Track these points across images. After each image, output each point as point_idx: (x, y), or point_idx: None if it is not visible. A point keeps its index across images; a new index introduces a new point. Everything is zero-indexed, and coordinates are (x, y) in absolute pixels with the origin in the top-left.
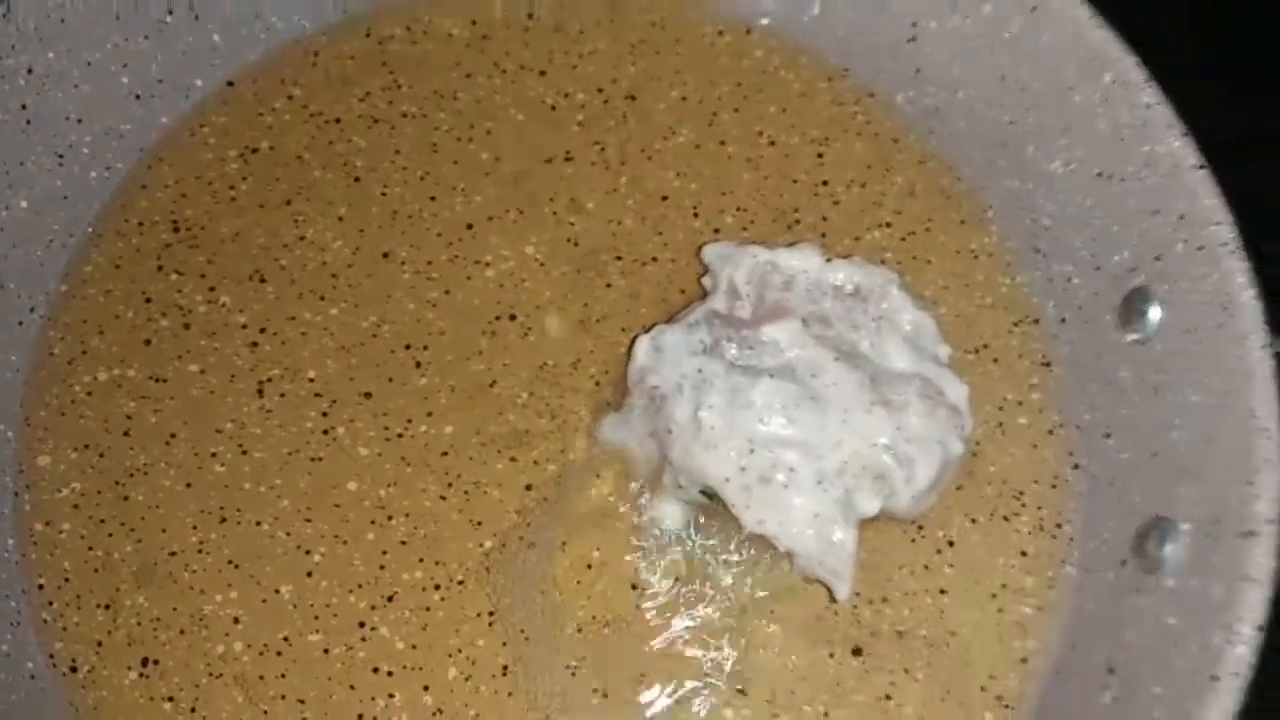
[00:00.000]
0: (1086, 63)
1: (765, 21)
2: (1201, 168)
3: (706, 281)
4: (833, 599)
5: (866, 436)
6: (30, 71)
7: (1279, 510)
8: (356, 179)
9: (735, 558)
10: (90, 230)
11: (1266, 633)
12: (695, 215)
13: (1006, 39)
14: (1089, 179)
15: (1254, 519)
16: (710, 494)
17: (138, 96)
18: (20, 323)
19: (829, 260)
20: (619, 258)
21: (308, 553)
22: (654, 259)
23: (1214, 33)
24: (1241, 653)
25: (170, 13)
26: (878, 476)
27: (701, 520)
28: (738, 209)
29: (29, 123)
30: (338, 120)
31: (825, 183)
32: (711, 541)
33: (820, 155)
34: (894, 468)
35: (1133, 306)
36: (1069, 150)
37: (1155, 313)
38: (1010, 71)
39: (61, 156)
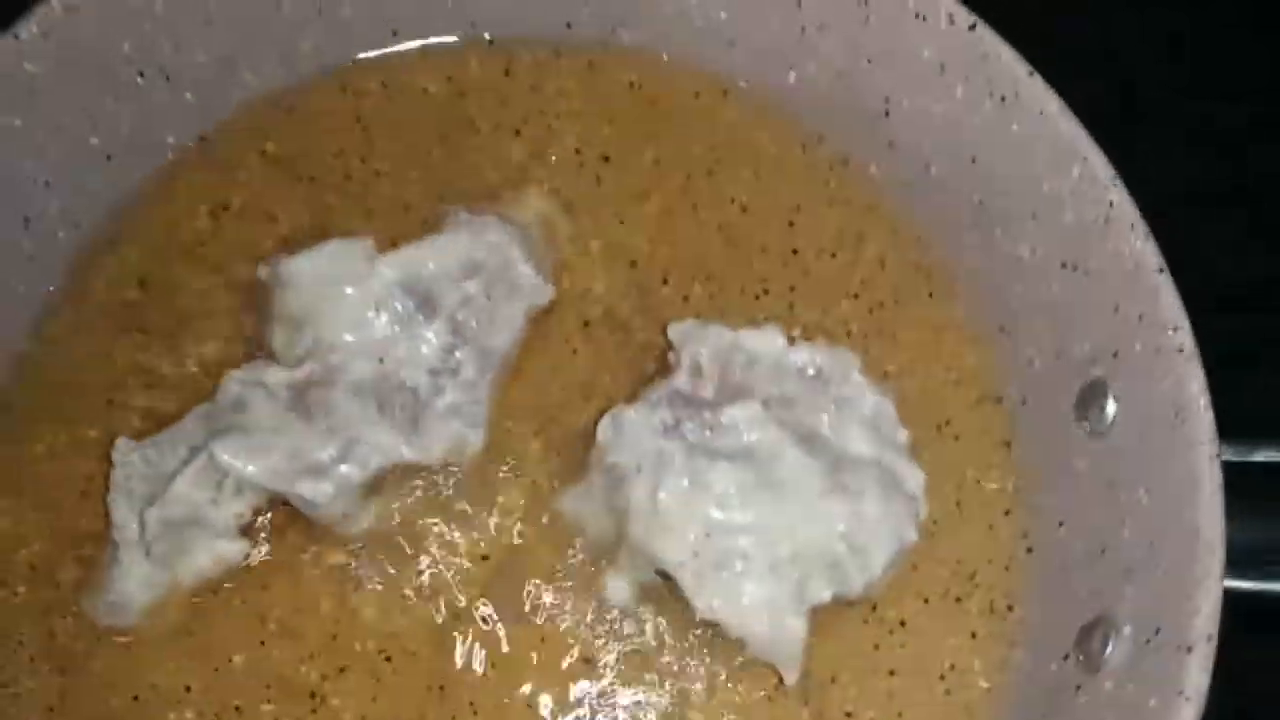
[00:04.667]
0: (1055, 154)
1: (742, 85)
2: (1162, 270)
3: (671, 358)
4: (781, 681)
5: (822, 524)
6: None
7: (1215, 626)
8: (330, 237)
9: (686, 637)
10: (55, 289)
11: None
12: (665, 283)
13: (977, 123)
14: (1054, 268)
15: (1192, 634)
16: (664, 575)
17: (108, 157)
18: None
19: (792, 342)
20: (586, 324)
21: (262, 621)
22: (623, 326)
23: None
24: None
25: (141, 75)
26: (831, 564)
27: (655, 600)
28: (707, 277)
29: None
30: (311, 177)
31: (795, 251)
32: (663, 620)
33: (791, 223)
34: (848, 556)
35: (1090, 399)
36: (1036, 237)
37: (1111, 408)
38: (981, 154)
39: (28, 219)
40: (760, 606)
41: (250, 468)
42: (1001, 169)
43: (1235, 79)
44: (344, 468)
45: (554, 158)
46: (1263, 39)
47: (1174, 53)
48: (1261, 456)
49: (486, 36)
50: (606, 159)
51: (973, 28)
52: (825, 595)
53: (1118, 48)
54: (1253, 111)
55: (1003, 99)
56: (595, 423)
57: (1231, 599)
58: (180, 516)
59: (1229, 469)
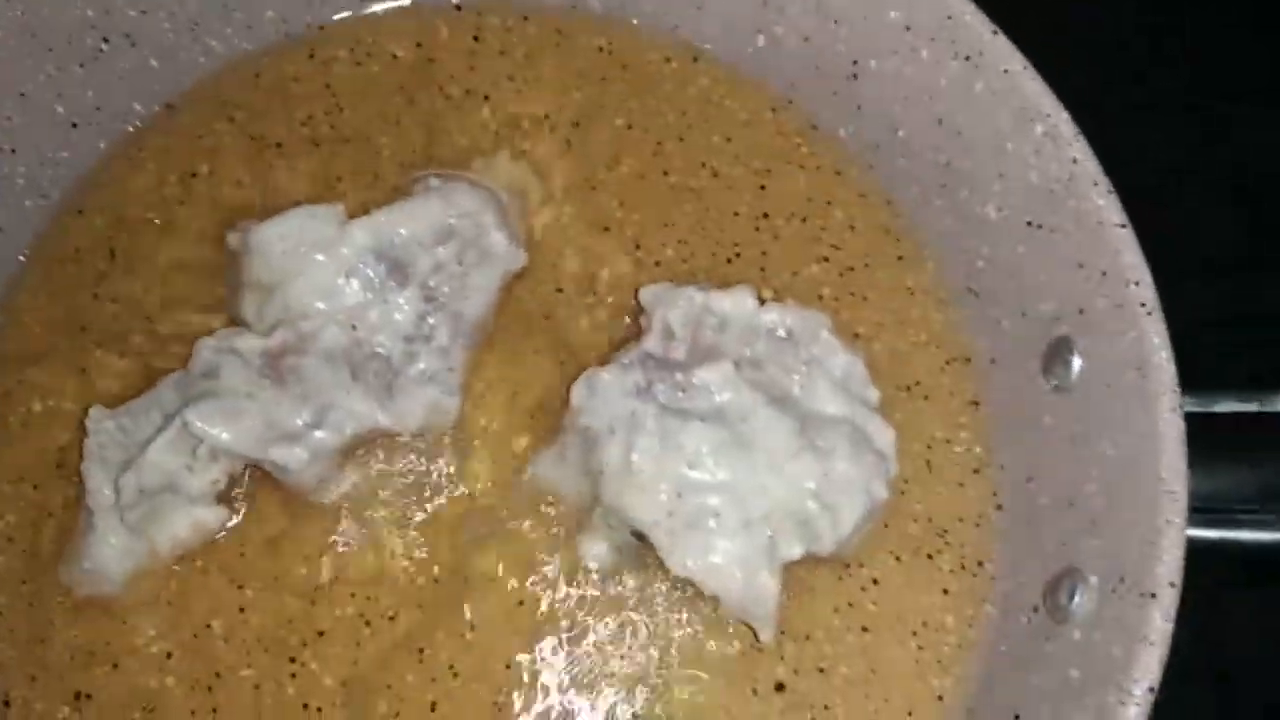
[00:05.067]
0: (1020, 113)
1: (711, 49)
2: (1124, 226)
3: (643, 321)
4: (756, 638)
5: (793, 482)
6: None
7: (1179, 574)
8: (297, 203)
9: (662, 596)
10: (24, 259)
11: (1157, 694)
12: (637, 247)
13: (943, 85)
14: (1020, 227)
15: (1155, 581)
16: (639, 535)
17: (74, 125)
18: None
19: (762, 303)
20: (559, 290)
21: (240, 587)
22: (594, 291)
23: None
24: (1134, 714)
25: (106, 41)
26: (802, 522)
27: (630, 560)
28: (679, 241)
29: None
30: (279, 144)
31: (766, 215)
32: (639, 579)
33: (763, 187)
34: (819, 514)
35: (1056, 355)
36: (1002, 197)
37: (1077, 363)
38: (947, 116)
39: None
40: (733, 564)
41: (224, 434)
42: (967, 130)
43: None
44: (318, 434)
45: (524, 123)
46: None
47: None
48: (1223, 407)
49: (455, 2)
50: (577, 124)
51: None
52: (796, 552)
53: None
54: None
55: (967, 58)
56: (568, 387)
57: (1213, 552)
58: (155, 484)
59: (1191, 420)
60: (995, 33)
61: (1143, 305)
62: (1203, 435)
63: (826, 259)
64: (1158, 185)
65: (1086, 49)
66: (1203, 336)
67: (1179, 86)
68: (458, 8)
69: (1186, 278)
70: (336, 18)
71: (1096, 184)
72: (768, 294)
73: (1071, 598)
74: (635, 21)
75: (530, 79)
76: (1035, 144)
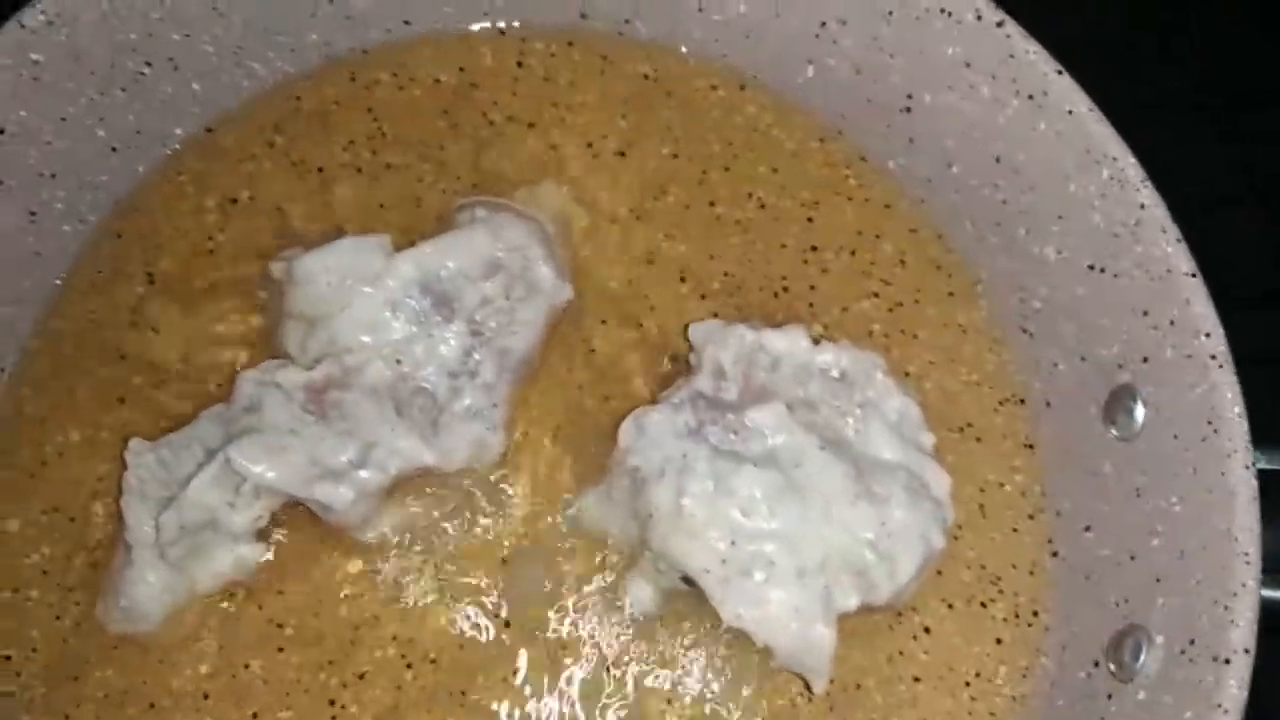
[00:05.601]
0: (1084, 155)
1: (759, 78)
2: (1194, 275)
3: (692, 359)
4: (808, 688)
5: (849, 530)
6: (1, 132)
7: (1253, 639)
8: (341, 231)
9: (710, 644)
10: (61, 283)
11: None
12: (682, 280)
13: (1002, 122)
14: (1081, 270)
15: (1228, 646)
16: (689, 581)
17: (114, 149)
18: None
19: (816, 342)
20: (604, 321)
21: (280, 626)
22: (639, 324)
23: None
24: None
25: (148, 64)
26: (858, 572)
27: (678, 605)
28: (725, 274)
29: (1, 183)
30: (320, 169)
31: (814, 248)
32: (686, 626)
33: (810, 219)
34: (876, 563)
35: (1118, 403)
36: (1062, 238)
37: (1140, 412)
38: (1005, 154)
39: (34, 214)
40: (787, 615)
41: (269, 473)
42: (1027, 169)
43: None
44: (363, 473)
45: (568, 151)
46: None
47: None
48: None
49: (499, 26)
50: (621, 153)
51: (1000, 24)
52: (853, 603)
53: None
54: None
55: (1030, 97)
56: (614, 424)
57: (1263, 607)
58: (196, 520)
59: (1261, 477)
60: (1060, 72)
61: (1213, 358)
62: (1271, 491)
63: (876, 294)
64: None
65: (1096, 48)
66: (1253, 374)
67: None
68: (501, 32)
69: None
70: (379, 41)
71: (1165, 230)
72: (816, 329)
73: (1137, 657)
74: (683, 49)
75: (575, 106)
76: (1100, 187)
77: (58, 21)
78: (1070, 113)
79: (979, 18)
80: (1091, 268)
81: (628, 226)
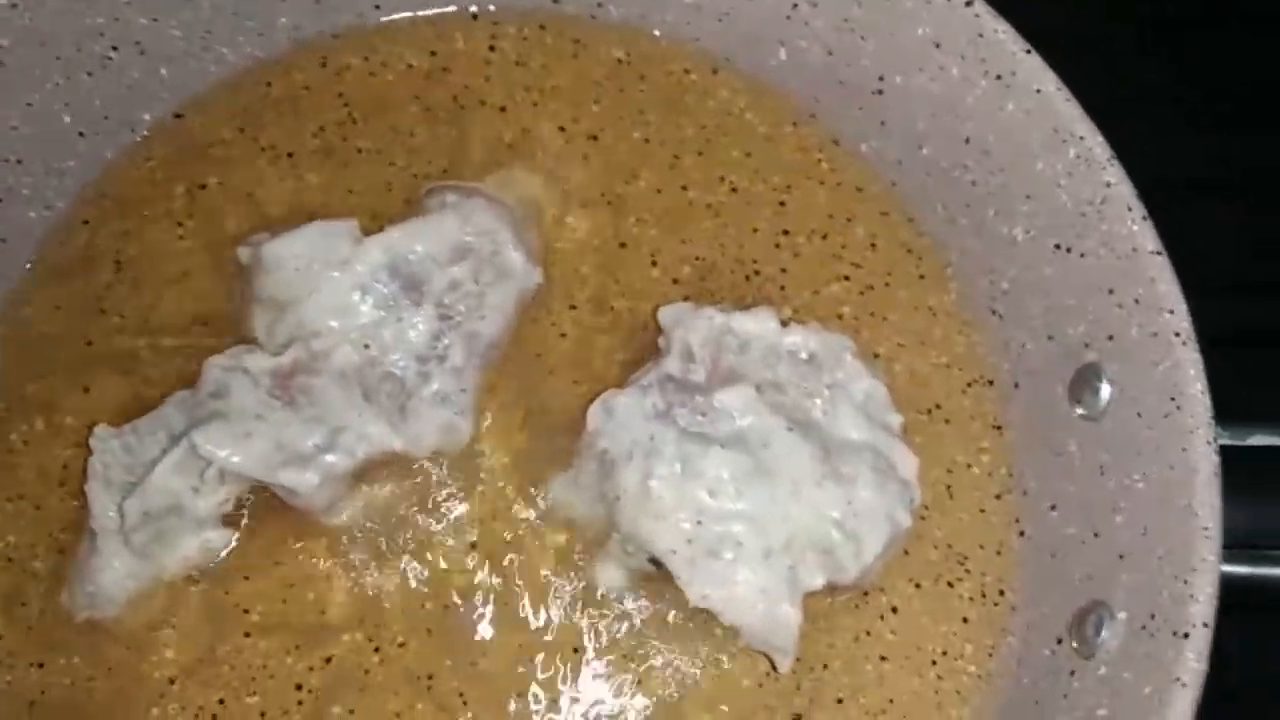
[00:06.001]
0: (1051, 134)
1: (732, 61)
2: (1159, 253)
3: (661, 342)
4: (774, 667)
5: (816, 510)
6: None
7: (1213, 614)
8: (311, 216)
9: (678, 625)
10: (28, 270)
11: None
12: (654, 264)
13: (971, 102)
14: (1048, 249)
15: (1188, 620)
16: (656, 563)
17: (81, 134)
18: None
19: (785, 324)
20: (573, 306)
21: (246, 611)
22: (610, 308)
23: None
24: None
25: (115, 48)
26: (825, 551)
27: (646, 587)
28: (697, 258)
29: None
30: (290, 154)
31: (786, 232)
32: (654, 607)
33: (782, 203)
34: (842, 542)
35: (1084, 382)
36: (1030, 218)
37: (1106, 391)
38: (975, 134)
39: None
40: (754, 594)
41: (234, 457)
42: (996, 149)
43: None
44: (329, 457)
45: (540, 136)
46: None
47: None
48: (1256, 440)
49: (471, 10)
50: (594, 137)
51: (969, 3)
52: (819, 582)
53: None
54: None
55: (998, 77)
56: (582, 408)
57: (1224, 582)
58: (161, 506)
59: (1223, 453)
60: (1028, 51)
61: (1177, 335)
62: (1235, 468)
63: (847, 277)
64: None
65: (1074, 40)
66: (1217, 354)
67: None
68: (474, 16)
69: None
70: (349, 25)
71: (1130, 209)
72: (787, 313)
73: (1098, 632)
74: (656, 32)
75: (547, 90)
76: (1067, 166)
77: (22, 4)
78: (1038, 91)
79: None
80: (1058, 247)
81: (599, 211)
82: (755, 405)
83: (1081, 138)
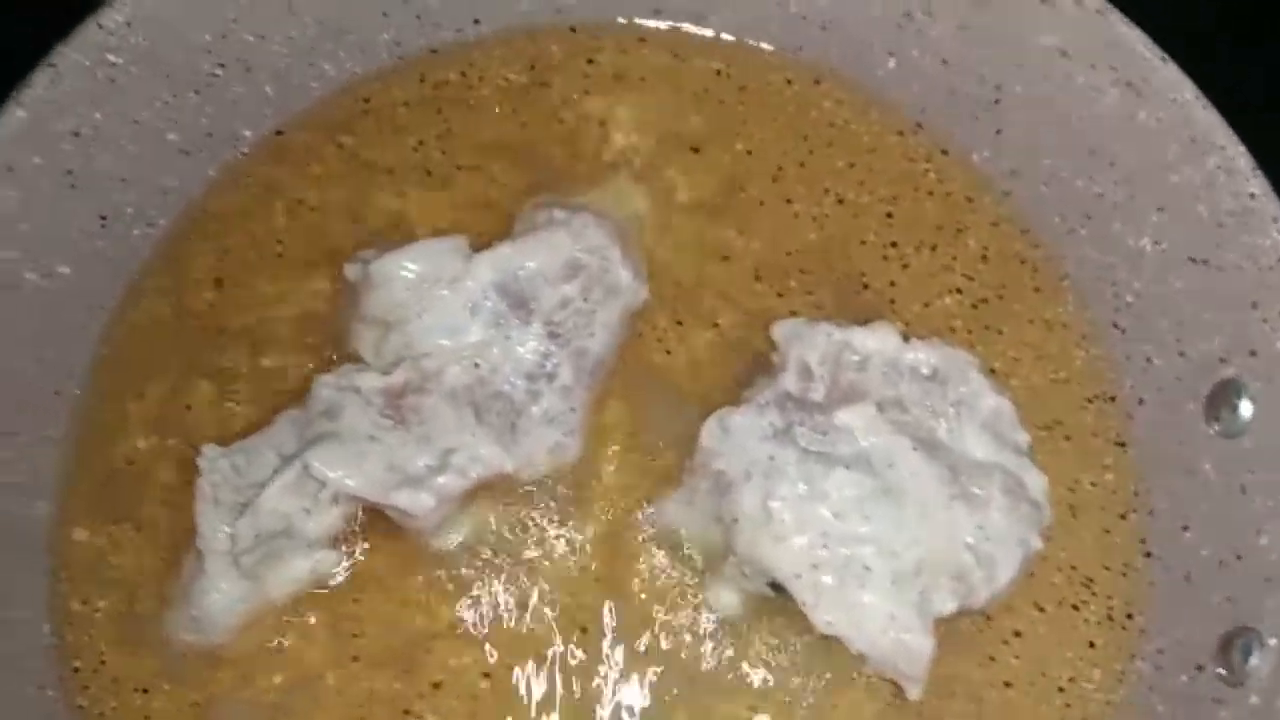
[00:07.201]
0: (1189, 144)
1: (835, 72)
2: None
3: (776, 358)
4: (899, 694)
5: (946, 533)
6: (76, 135)
7: None
8: (411, 233)
9: (797, 650)
10: (131, 288)
11: None
12: (758, 278)
13: (1098, 112)
14: (1181, 262)
15: None
16: (776, 587)
17: (184, 152)
18: (56, 391)
19: (906, 340)
20: (679, 322)
21: (354, 636)
22: (715, 324)
23: None
24: None
25: (221, 66)
26: (957, 576)
27: (763, 611)
28: (802, 271)
29: (73, 187)
30: (390, 170)
31: (894, 244)
32: (772, 632)
33: (889, 215)
34: (974, 567)
35: (1221, 398)
36: (1161, 230)
37: (1246, 408)
38: (1101, 144)
39: (105, 218)
40: (883, 620)
41: (349, 479)
42: (1124, 159)
43: None
44: (442, 478)
45: (641, 149)
46: None
47: None
48: None
49: (570, 24)
50: (695, 150)
51: (1100, 10)
52: (950, 608)
53: None
54: None
55: (1129, 85)
56: (691, 425)
57: None
58: (272, 528)
59: None
60: (1164, 60)
61: None
62: None
63: (959, 290)
64: None
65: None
66: None
67: None
68: (572, 30)
69: None
70: (449, 41)
71: (1276, 220)
72: (898, 327)
73: (1247, 659)
74: (756, 43)
75: (647, 103)
76: (1207, 177)
77: (135, 23)
78: (1174, 101)
79: (1079, 4)
80: (1193, 259)
81: (701, 224)
82: (878, 424)
83: (1223, 147)
